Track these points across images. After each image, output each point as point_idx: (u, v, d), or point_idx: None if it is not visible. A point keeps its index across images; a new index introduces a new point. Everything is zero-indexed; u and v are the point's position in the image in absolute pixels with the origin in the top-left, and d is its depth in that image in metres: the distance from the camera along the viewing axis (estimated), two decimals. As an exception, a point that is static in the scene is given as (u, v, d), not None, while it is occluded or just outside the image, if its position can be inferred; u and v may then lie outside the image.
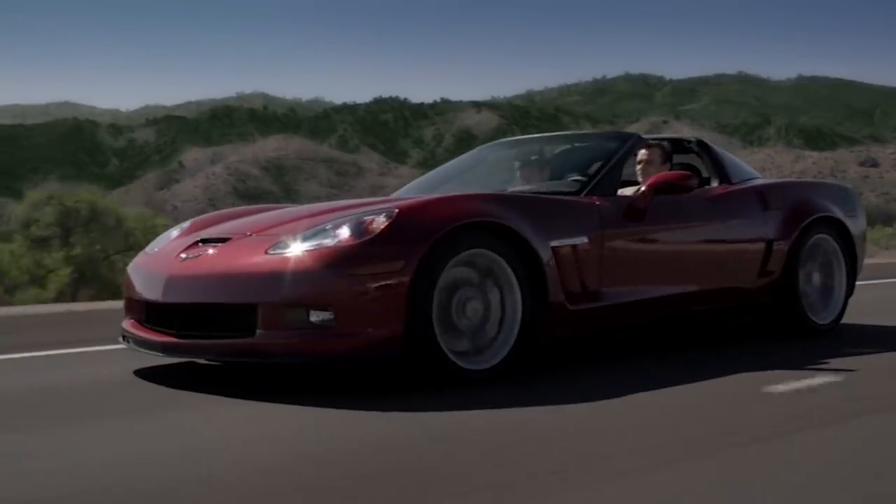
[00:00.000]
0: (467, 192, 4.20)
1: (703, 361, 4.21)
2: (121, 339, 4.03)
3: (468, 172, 5.31)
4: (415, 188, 5.14)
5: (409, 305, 3.34)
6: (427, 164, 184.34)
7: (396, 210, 3.49)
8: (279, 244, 3.52)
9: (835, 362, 4.09)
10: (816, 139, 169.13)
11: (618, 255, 4.10)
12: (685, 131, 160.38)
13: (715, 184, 4.86)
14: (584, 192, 4.24)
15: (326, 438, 2.79)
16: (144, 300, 3.83)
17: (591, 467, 2.46)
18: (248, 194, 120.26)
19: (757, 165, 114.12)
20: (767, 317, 4.89)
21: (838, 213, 5.11)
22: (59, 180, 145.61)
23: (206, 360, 3.70)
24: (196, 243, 3.88)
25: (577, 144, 5.38)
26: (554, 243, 3.81)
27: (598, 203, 4.14)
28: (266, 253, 3.50)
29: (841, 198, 5.32)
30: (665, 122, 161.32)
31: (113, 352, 4.57)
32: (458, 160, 5.53)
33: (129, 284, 4.07)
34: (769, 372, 3.83)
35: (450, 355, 3.48)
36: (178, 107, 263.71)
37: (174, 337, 3.62)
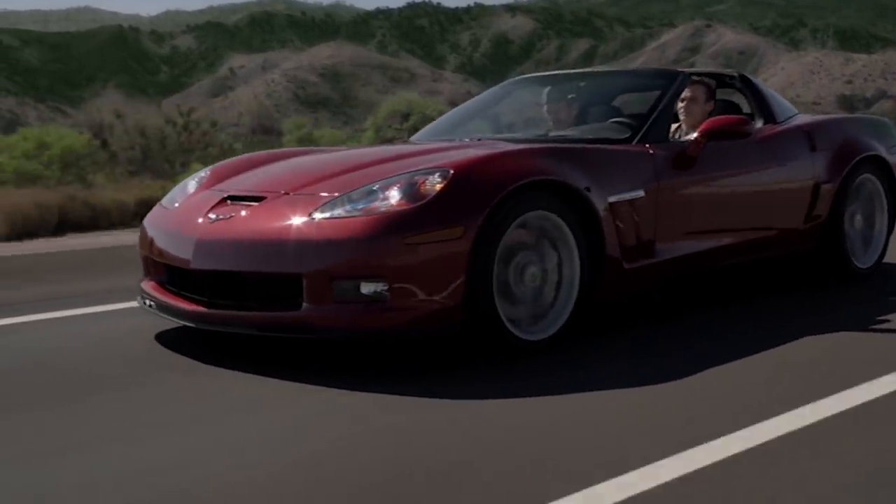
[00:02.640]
0: (517, 144, 3.86)
1: (750, 322, 3.96)
2: (140, 300, 3.69)
3: (494, 110, 5.01)
4: (440, 129, 4.79)
5: (468, 274, 3.09)
6: (465, 69, 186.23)
7: (451, 170, 3.20)
8: (323, 207, 3.21)
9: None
10: (851, 40, 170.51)
11: (672, 207, 3.84)
12: (728, 35, 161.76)
13: (759, 123, 4.60)
14: (636, 140, 3.95)
15: (358, 427, 2.56)
16: (169, 263, 3.52)
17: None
18: (309, 101, 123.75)
19: (806, 69, 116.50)
20: (808, 262, 4.70)
21: (882, 150, 4.89)
22: (117, 88, 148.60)
23: (241, 332, 3.25)
24: (224, 201, 3.53)
25: (615, 82, 5.10)
26: (612, 199, 3.56)
27: (651, 152, 3.87)
28: (310, 217, 3.17)
29: (880, 132, 5.07)
30: (708, 25, 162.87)
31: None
32: (483, 96, 5.21)
33: (147, 242, 3.71)
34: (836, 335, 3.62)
35: (509, 326, 3.24)
36: (200, 12, 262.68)
37: (205, 306, 3.30)
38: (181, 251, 3.39)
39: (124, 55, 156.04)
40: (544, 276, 3.40)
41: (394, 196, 3.16)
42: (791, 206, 4.50)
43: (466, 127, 4.75)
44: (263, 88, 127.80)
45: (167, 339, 3.66)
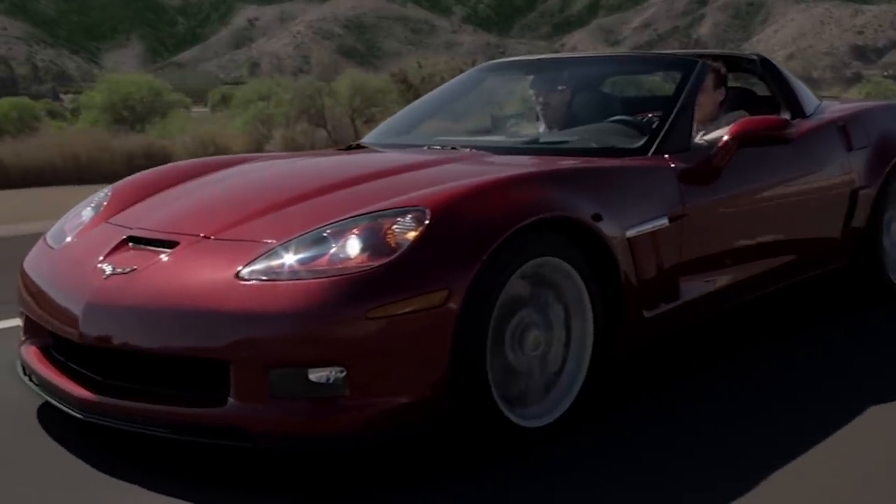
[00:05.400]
0: (505, 160, 3.07)
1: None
2: (20, 370, 2.69)
3: (466, 102, 4.09)
4: (402, 126, 3.85)
5: (454, 352, 2.22)
6: (471, 20, 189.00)
7: (428, 210, 2.31)
8: (254, 261, 2.29)
9: None
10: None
11: (699, 235, 2.99)
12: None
13: (785, 118, 3.60)
14: (653, 149, 3.06)
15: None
16: (51, 329, 2.53)
17: None
18: (336, 52, 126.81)
19: (816, 20, 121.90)
20: (835, 281, 3.84)
21: None
22: (139, 40, 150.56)
23: (144, 432, 2.26)
24: (125, 243, 2.59)
25: (615, 70, 4.19)
26: (631, 232, 2.69)
27: (672, 165, 3.00)
28: (236, 276, 2.26)
29: None
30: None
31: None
32: (452, 84, 4.18)
33: (28, 293, 2.70)
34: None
35: (505, 411, 2.36)
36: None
37: (97, 392, 2.34)
38: (67, 314, 2.43)
39: (139, 6, 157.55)
40: (549, 339, 2.52)
41: (351, 248, 2.26)
42: (827, 218, 3.70)
43: (435, 125, 3.92)
44: (290, 40, 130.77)
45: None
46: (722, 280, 3.15)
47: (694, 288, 3.00)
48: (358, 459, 2.35)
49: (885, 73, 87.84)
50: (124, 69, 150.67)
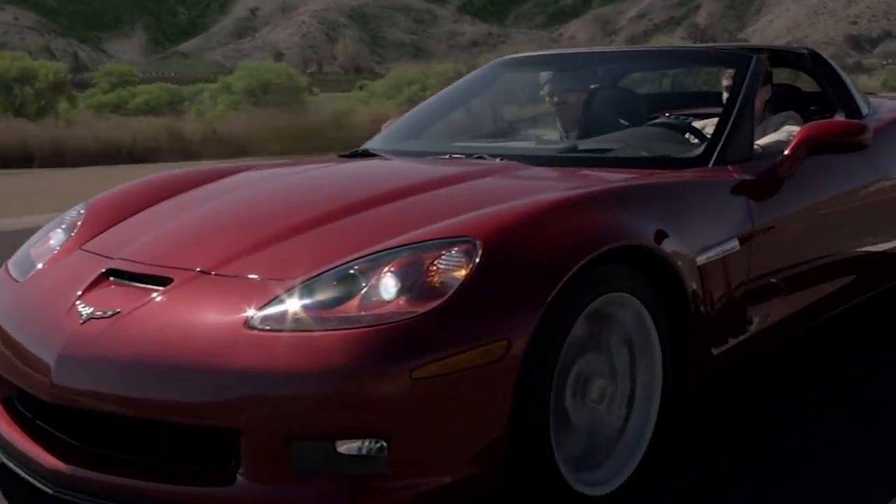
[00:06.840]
0: (544, 173, 2.65)
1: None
2: None
3: (481, 102, 3.69)
4: (405, 130, 3.37)
5: (514, 414, 1.82)
6: (467, 10, 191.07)
7: (479, 240, 1.89)
8: (269, 305, 1.86)
9: None
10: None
11: (768, 257, 2.59)
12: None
13: (840, 118, 3.24)
14: (714, 159, 2.63)
15: None
16: (15, 382, 2.09)
17: None
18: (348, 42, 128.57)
19: (811, 10, 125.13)
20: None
21: None
22: (142, 30, 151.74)
23: None
24: (104, 278, 2.12)
25: (647, 65, 3.86)
26: (701, 259, 2.30)
27: (737, 177, 2.58)
28: (247, 327, 1.82)
29: None
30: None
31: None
32: (464, 82, 3.68)
33: None
34: None
35: (569, 479, 1.96)
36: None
37: (72, 462, 1.90)
38: (36, 364, 1.99)
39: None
40: (613, 388, 2.13)
41: (386, 289, 1.83)
42: (891, 229, 3.27)
43: (449, 128, 3.49)
44: (296, 30, 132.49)
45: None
46: (791, 305, 2.77)
47: (763, 317, 2.61)
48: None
49: (885, 62, 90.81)
50: (127, 58, 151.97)
